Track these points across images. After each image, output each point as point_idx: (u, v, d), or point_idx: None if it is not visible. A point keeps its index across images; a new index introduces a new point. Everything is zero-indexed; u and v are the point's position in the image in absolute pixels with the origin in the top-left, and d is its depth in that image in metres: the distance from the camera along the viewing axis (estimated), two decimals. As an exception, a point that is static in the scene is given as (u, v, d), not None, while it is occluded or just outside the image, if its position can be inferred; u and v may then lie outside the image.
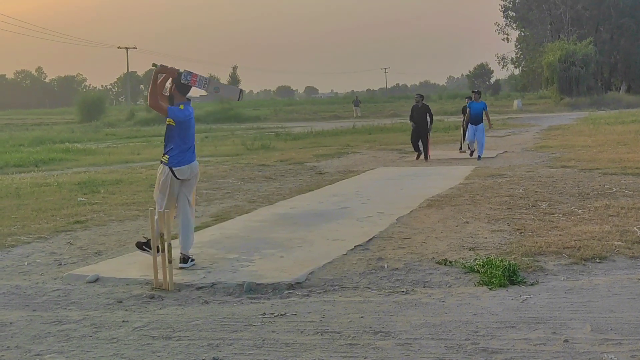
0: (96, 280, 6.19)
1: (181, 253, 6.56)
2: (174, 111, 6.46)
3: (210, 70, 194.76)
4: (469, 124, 17.59)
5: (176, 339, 4.49)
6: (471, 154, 17.54)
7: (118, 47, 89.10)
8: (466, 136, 17.89)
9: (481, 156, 16.87)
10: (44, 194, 12.20)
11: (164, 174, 6.50)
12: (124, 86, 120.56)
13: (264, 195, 11.54)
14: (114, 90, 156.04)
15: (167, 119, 6.50)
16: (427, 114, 17.55)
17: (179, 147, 6.51)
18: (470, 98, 19.31)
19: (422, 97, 18.25)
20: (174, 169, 6.48)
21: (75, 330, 4.75)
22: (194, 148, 6.73)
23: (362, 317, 4.78)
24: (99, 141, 31.42)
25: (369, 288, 5.64)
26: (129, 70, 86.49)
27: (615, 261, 6.15)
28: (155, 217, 6.24)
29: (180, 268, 6.41)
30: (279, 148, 22.78)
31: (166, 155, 6.52)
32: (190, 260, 6.55)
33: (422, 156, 17.39)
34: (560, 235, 7.18)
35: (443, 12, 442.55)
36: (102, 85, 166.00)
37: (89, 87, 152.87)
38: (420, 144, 17.49)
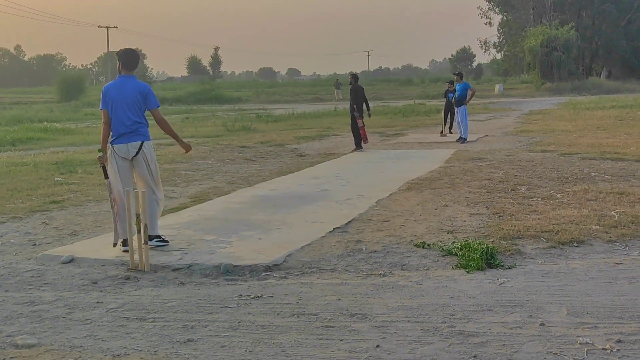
0: (71, 260, 6.11)
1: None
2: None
3: (191, 52, 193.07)
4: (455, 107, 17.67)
5: (151, 320, 4.44)
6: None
7: (98, 26, 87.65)
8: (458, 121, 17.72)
9: (465, 139, 16.86)
10: (20, 173, 12.03)
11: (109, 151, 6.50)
12: (104, 66, 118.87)
13: (244, 177, 11.47)
14: (94, 69, 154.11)
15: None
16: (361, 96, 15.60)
17: (113, 124, 6.42)
18: (452, 82, 19.35)
19: (356, 77, 16.03)
20: (113, 145, 6.42)
21: (49, 311, 4.68)
22: (133, 127, 6.36)
23: (339, 299, 4.76)
24: (78, 121, 31.08)
25: (347, 270, 5.62)
26: (110, 50, 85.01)
27: (592, 245, 6.17)
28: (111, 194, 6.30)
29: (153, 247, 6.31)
30: (259, 130, 22.66)
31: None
32: (156, 239, 6.43)
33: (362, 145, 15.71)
34: (538, 219, 7.20)
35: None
36: (82, 65, 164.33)
37: (68, 66, 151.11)
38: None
